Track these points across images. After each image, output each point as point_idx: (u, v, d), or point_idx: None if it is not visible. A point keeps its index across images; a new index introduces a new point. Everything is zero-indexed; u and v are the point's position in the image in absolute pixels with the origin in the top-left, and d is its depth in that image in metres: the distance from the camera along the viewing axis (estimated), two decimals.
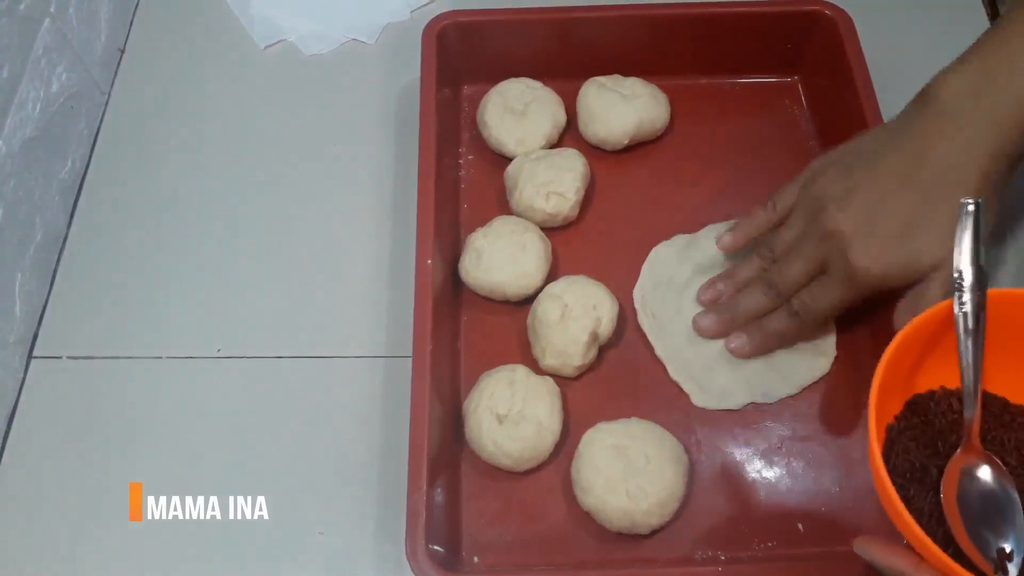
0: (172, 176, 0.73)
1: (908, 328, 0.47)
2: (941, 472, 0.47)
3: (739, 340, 0.62)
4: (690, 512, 0.58)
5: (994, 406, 0.50)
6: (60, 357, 0.66)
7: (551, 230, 0.68)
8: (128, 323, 0.67)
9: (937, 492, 0.46)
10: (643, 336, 0.64)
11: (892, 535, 0.44)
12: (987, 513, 0.45)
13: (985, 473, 0.46)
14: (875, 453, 0.43)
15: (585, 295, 0.62)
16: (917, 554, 0.42)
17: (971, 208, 0.48)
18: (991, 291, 0.47)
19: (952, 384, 0.50)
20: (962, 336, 0.47)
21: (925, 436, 0.49)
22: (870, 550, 0.44)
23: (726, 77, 0.74)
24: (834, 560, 0.55)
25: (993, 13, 0.78)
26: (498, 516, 0.58)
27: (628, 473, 0.55)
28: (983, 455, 0.47)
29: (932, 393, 0.51)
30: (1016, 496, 0.45)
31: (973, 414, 0.47)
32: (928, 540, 0.40)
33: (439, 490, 0.56)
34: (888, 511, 0.43)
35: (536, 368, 0.62)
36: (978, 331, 0.47)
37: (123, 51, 0.80)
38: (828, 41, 0.70)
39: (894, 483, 0.43)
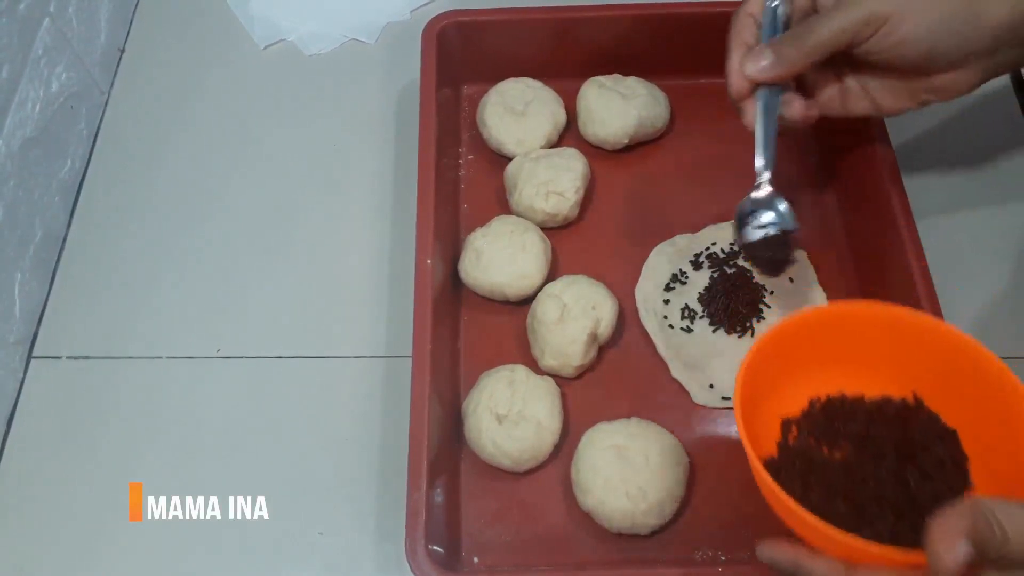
0: (172, 176, 0.73)
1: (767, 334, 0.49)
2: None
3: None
4: (690, 512, 0.58)
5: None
6: (60, 357, 0.66)
7: (551, 230, 0.68)
8: (128, 323, 0.67)
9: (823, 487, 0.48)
10: (643, 336, 0.64)
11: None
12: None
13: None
14: (749, 451, 0.45)
15: (584, 295, 0.62)
16: (811, 546, 0.43)
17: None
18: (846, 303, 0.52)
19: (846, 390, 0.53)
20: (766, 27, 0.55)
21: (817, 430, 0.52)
22: (771, 552, 0.45)
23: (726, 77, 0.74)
24: None
25: None
26: (498, 516, 0.58)
27: (628, 473, 0.55)
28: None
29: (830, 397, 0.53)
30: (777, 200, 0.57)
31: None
32: (813, 519, 0.41)
33: (439, 490, 0.56)
34: (771, 502, 0.45)
35: (536, 368, 0.62)
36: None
37: (123, 51, 0.80)
38: None
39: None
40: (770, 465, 0.50)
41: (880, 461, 0.49)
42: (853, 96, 0.58)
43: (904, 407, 0.52)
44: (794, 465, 0.50)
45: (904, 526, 0.46)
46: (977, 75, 0.53)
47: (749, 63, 0.55)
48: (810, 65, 0.54)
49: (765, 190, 0.58)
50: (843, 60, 0.56)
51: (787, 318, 0.50)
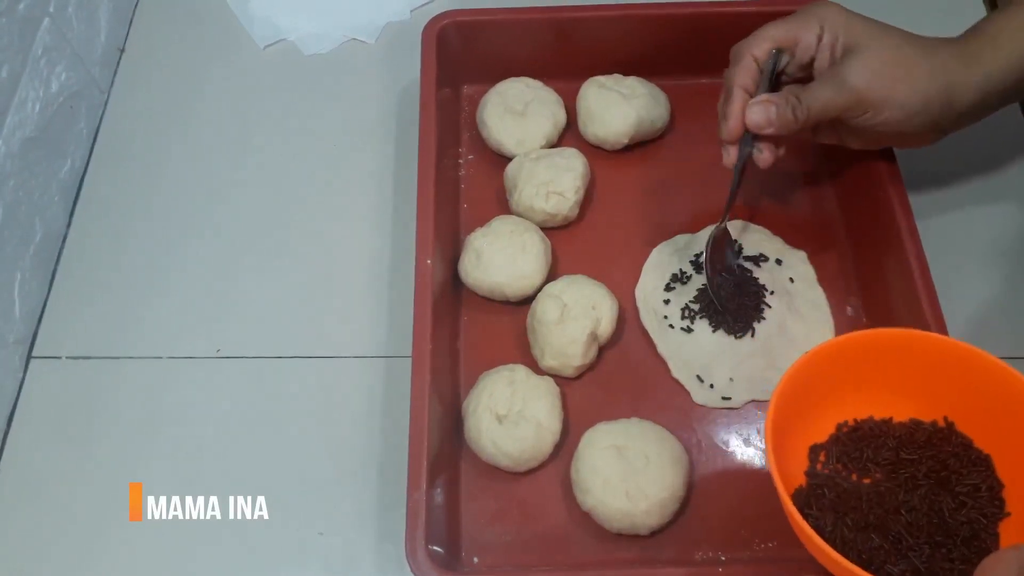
0: (171, 176, 0.73)
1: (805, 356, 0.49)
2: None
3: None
4: (690, 512, 0.58)
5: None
6: (59, 357, 0.66)
7: (551, 230, 0.68)
8: (128, 323, 0.67)
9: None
10: (643, 336, 0.64)
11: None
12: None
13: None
14: (782, 492, 0.44)
15: (584, 295, 0.62)
16: None
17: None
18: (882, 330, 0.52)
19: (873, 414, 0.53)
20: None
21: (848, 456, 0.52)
22: None
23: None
24: None
25: None
26: (498, 516, 0.58)
27: (627, 474, 0.55)
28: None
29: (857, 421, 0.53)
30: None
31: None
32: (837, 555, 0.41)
33: (439, 490, 0.56)
34: (804, 541, 0.44)
35: (536, 368, 0.62)
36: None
37: (123, 51, 0.80)
38: None
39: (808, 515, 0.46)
40: (799, 495, 0.50)
41: (912, 488, 0.49)
42: (824, 133, 0.63)
43: (935, 432, 0.51)
44: (824, 495, 0.49)
45: (940, 556, 0.46)
46: (938, 137, 0.60)
47: (755, 114, 0.57)
48: (803, 129, 0.58)
49: (723, 228, 0.64)
50: None
51: (814, 349, 0.49)
